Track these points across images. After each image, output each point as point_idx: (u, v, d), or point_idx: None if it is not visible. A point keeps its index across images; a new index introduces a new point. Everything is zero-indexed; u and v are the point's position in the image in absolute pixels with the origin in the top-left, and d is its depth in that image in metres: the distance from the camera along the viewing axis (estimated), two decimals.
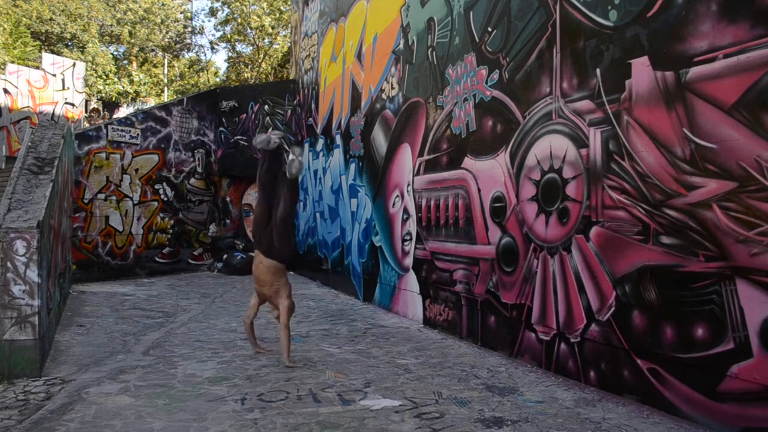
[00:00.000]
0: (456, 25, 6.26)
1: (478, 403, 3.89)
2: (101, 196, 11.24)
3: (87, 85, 19.94)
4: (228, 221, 13.81)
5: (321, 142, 11.21)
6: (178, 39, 26.77)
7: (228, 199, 13.84)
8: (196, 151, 13.14)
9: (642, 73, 3.84)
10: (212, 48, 29.35)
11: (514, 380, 4.45)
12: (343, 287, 9.60)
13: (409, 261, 7.20)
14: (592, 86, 4.28)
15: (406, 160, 7.35)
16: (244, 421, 3.52)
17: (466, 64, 6.02)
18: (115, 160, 11.52)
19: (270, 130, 4.85)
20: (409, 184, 7.22)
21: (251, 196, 14.08)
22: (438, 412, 3.69)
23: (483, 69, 5.72)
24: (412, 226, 7.12)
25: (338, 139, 10.16)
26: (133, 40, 25.47)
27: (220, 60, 60.40)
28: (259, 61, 24.34)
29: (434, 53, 6.73)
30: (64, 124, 8.77)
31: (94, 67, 22.77)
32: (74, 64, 17.26)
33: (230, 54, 26.02)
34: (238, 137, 13.41)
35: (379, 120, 8.31)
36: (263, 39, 23.75)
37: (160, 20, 25.50)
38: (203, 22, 55.56)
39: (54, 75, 16.44)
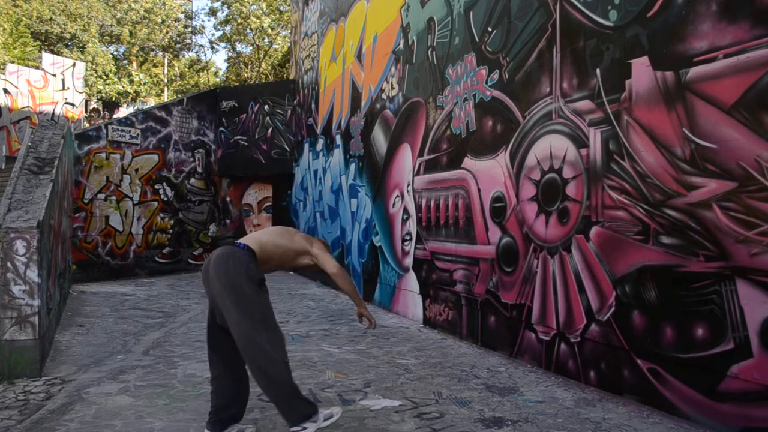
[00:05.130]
0: (456, 25, 6.26)
1: (478, 403, 3.89)
2: (101, 196, 11.24)
3: (87, 85, 19.95)
4: (228, 221, 13.81)
5: (321, 142, 11.21)
6: (178, 39, 26.78)
7: (228, 199, 13.85)
8: (196, 151, 13.15)
9: (642, 73, 3.84)
10: (212, 48, 29.38)
11: (514, 380, 4.45)
12: None
13: (409, 261, 7.20)
14: (592, 86, 4.28)
15: (406, 160, 7.35)
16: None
17: (466, 64, 6.02)
18: (115, 160, 11.53)
19: None
20: (409, 184, 7.22)
21: (251, 196, 14.09)
22: (438, 412, 3.69)
23: (483, 69, 5.72)
24: (412, 226, 7.12)
25: (338, 139, 10.16)
26: (133, 40, 25.48)
27: (220, 60, 60.43)
28: (259, 61, 24.35)
29: (434, 53, 6.73)
30: (64, 124, 8.78)
31: (94, 67, 22.79)
32: (74, 64, 17.28)
33: (230, 54, 26.06)
34: (238, 137, 13.42)
35: (379, 120, 8.31)
36: (263, 39, 23.76)
37: (160, 20, 25.51)
38: (203, 22, 55.62)
39: (54, 75, 16.45)
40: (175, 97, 24.80)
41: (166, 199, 12.49)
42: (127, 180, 11.73)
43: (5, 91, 15.20)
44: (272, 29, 23.28)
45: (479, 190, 5.74)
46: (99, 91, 23.28)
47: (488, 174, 5.60)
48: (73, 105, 16.86)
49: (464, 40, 6.08)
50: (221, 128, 13.56)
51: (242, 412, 3.25)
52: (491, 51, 5.60)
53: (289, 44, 20.22)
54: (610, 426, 3.46)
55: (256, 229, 14.07)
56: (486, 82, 5.65)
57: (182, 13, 27.34)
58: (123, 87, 24.06)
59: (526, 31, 5.08)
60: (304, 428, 2.99)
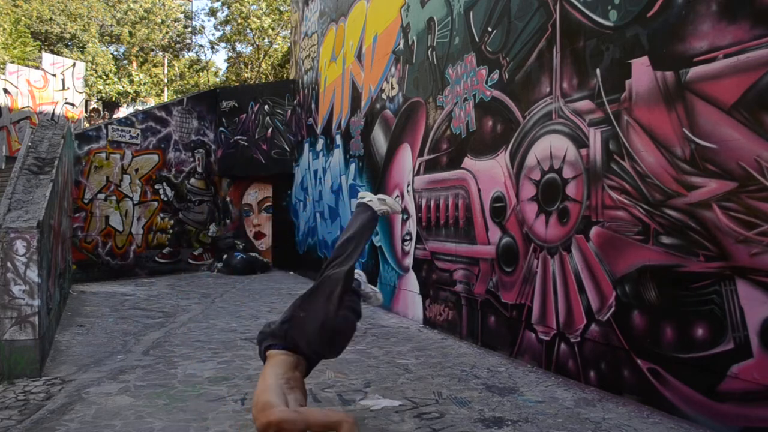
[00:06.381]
0: (456, 25, 6.26)
1: (478, 403, 3.89)
2: (101, 196, 11.24)
3: (87, 85, 19.95)
4: (228, 221, 13.81)
5: (321, 142, 11.21)
6: (178, 39, 26.78)
7: (228, 199, 13.85)
8: (196, 151, 13.14)
9: (642, 73, 3.84)
10: (212, 48, 29.37)
11: (514, 380, 4.45)
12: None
13: (409, 261, 7.20)
14: (592, 86, 4.28)
15: (406, 160, 7.35)
16: (244, 421, 3.53)
17: (466, 64, 6.02)
18: (115, 160, 11.53)
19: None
20: (409, 184, 7.22)
21: (251, 196, 14.09)
22: (438, 412, 3.69)
23: (483, 69, 5.72)
24: (412, 226, 7.12)
25: (338, 139, 10.16)
26: (133, 40, 25.47)
27: (220, 60, 60.43)
28: (259, 61, 24.35)
29: (434, 53, 6.73)
30: (64, 124, 8.78)
31: (94, 67, 22.78)
32: (74, 64, 17.28)
33: (230, 54, 26.05)
34: (238, 137, 13.41)
35: (379, 120, 8.31)
36: (263, 39, 23.76)
37: (160, 20, 25.51)
38: (203, 22, 55.64)
39: (54, 75, 16.45)
40: (175, 97, 24.79)
41: (166, 199, 12.48)
42: (127, 180, 11.72)
43: (5, 91, 15.20)
44: (272, 29, 23.28)
45: (479, 190, 5.74)
46: (99, 91, 23.27)
47: (488, 174, 5.60)
48: (73, 105, 16.85)
49: (464, 40, 6.08)
50: (221, 128, 13.56)
51: None
52: (491, 51, 5.60)
53: (289, 44, 20.22)
54: (610, 426, 3.46)
55: (256, 229, 14.08)
56: (486, 82, 5.65)
57: (182, 13, 27.34)
58: (123, 87, 24.06)
59: (526, 31, 5.08)
60: None
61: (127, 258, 11.71)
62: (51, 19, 22.83)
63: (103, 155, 11.34)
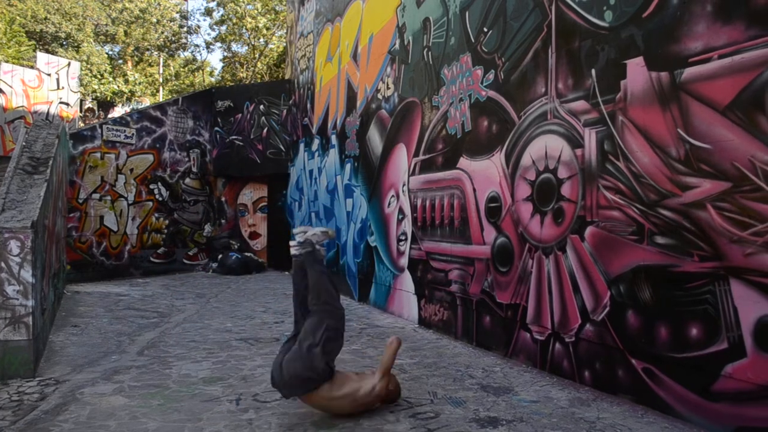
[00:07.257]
0: (452, 25, 6.27)
1: (473, 402, 3.89)
2: (96, 196, 11.19)
3: (82, 85, 19.88)
4: (223, 221, 13.77)
5: (316, 142, 11.20)
6: (173, 38, 26.71)
7: (223, 199, 13.81)
8: (191, 151, 13.10)
9: (637, 73, 3.86)
10: (208, 48, 29.32)
11: (509, 380, 4.45)
12: (338, 287, 9.58)
13: (404, 261, 7.20)
14: (587, 86, 4.30)
15: (401, 160, 7.35)
16: (239, 421, 3.52)
17: (462, 64, 6.03)
18: (110, 160, 11.48)
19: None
20: (404, 184, 7.22)
21: (246, 196, 14.07)
22: (433, 412, 3.69)
23: (478, 69, 5.73)
24: (407, 226, 7.12)
25: (334, 139, 10.15)
26: (128, 40, 25.40)
27: (215, 60, 60.28)
28: (255, 60, 24.31)
29: (430, 53, 6.74)
30: (58, 124, 8.74)
31: (89, 66, 22.71)
32: (69, 64, 17.20)
33: (226, 54, 26.01)
34: (234, 137, 13.39)
35: (374, 120, 8.31)
36: (258, 39, 23.73)
37: (155, 20, 25.44)
38: (198, 21, 55.51)
39: (49, 74, 16.37)
40: (170, 96, 24.71)
41: (161, 199, 12.45)
42: (122, 180, 11.68)
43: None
44: (268, 29, 23.26)
45: (474, 190, 5.75)
46: (94, 91, 23.18)
47: (483, 174, 5.60)
48: (67, 104, 16.78)
49: (460, 41, 6.09)
50: (216, 128, 13.53)
51: None
52: (487, 51, 5.60)
53: (284, 44, 20.20)
54: (605, 425, 3.47)
55: (251, 229, 14.05)
56: (481, 83, 5.66)
57: (177, 12, 27.28)
58: (118, 86, 23.97)
59: (521, 31, 5.09)
60: None
61: (122, 258, 11.67)
62: (46, 18, 22.74)
63: (98, 155, 11.30)
